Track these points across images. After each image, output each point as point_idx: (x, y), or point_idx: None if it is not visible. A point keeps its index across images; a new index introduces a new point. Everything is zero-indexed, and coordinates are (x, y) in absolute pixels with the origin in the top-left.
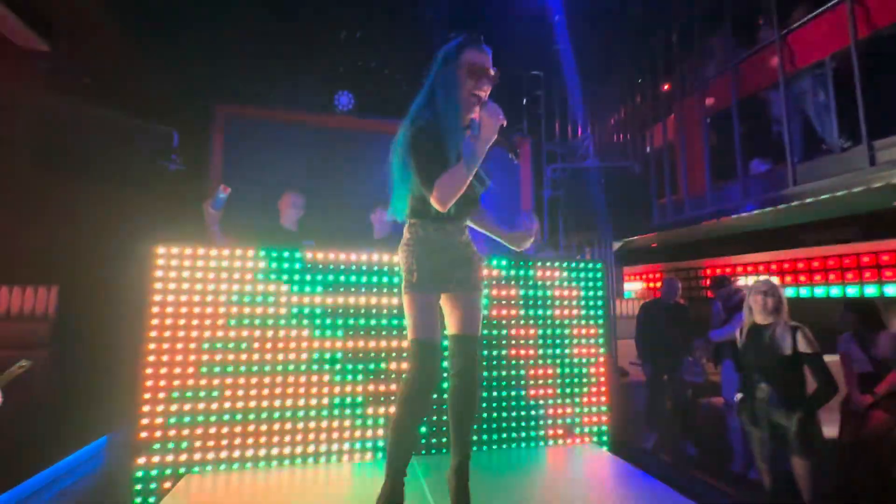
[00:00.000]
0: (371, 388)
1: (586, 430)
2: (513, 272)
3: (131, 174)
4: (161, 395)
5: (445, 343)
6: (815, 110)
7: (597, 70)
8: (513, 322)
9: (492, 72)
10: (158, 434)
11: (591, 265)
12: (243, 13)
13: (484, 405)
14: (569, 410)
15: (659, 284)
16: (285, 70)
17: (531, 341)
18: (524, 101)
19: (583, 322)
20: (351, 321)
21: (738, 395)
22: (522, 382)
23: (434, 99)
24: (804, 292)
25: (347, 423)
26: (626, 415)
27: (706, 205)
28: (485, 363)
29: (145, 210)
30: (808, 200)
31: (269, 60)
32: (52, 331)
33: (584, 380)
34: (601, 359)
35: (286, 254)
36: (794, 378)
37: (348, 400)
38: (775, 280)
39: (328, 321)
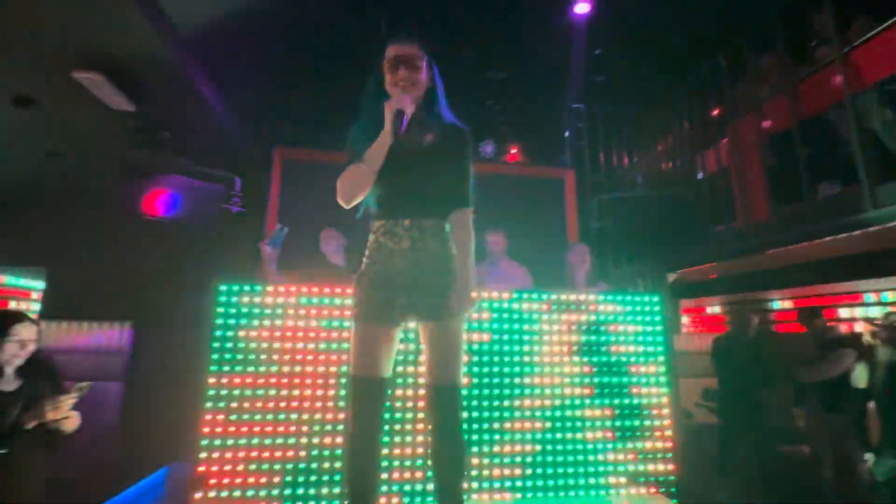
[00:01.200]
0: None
1: (651, 479)
2: (563, 306)
3: (199, 218)
4: (219, 430)
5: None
6: (884, 128)
7: (642, 97)
8: (566, 359)
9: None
10: (215, 469)
11: (648, 297)
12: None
13: (539, 447)
14: (630, 456)
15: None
16: (335, 113)
17: (586, 379)
18: (566, 133)
19: (641, 359)
20: (412, 357)
21: (869, 456)
22: (578, 424)
23: None
24: None
25: (403, 463)
26: (694, 462)
27: (771, 231)
28: (538, 402)
29: (210, 251)
30: (890, 224)
31: (320, 104)
32: (125, 364)
33: (647, 422)
34: (664, 399)
35: (339, 289)
36: None
37: (404, 438)
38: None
39: None
